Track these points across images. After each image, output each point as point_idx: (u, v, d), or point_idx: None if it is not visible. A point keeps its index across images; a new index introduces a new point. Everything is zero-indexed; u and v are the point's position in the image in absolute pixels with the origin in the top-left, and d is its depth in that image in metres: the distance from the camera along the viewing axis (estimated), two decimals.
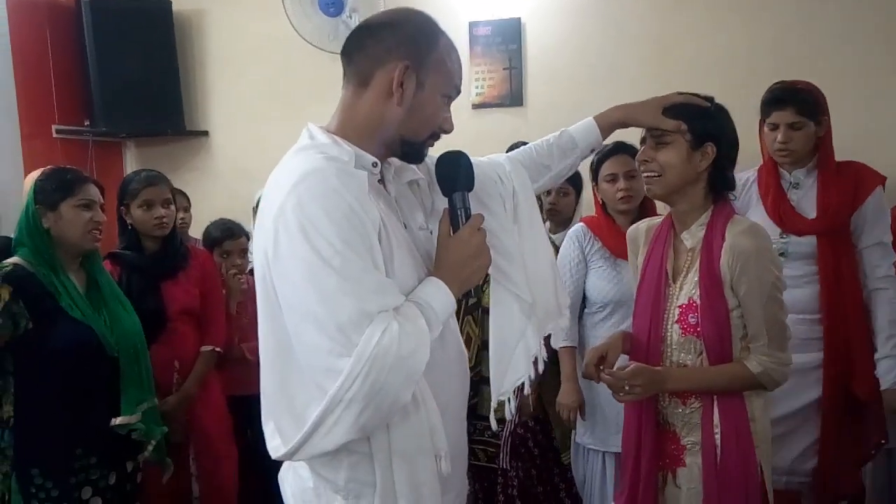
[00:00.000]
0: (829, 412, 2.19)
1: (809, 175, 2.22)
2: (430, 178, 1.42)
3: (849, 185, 2.18)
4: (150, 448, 2.24)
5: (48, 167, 2.36)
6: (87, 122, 4.05)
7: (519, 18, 3.84)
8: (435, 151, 1.41)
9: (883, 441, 2.31)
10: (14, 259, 2.12)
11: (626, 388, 1.60)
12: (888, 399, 2.18)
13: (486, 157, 1.57)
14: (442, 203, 1.36)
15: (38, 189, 2.17)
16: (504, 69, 3.86)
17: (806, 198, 2.21)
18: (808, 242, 2.15)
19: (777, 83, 2.23)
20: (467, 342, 2.39)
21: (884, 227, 2.22)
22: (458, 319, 2.40)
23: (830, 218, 2.16)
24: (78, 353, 2.10)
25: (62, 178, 2.19)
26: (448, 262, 1.29)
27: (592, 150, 1.67)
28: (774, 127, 2.16)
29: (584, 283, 2.48)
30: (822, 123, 2.19)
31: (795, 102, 2.15)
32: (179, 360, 2.59)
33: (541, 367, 1.55)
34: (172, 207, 2.62)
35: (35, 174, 3.28)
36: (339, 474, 1.25)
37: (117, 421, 2.15)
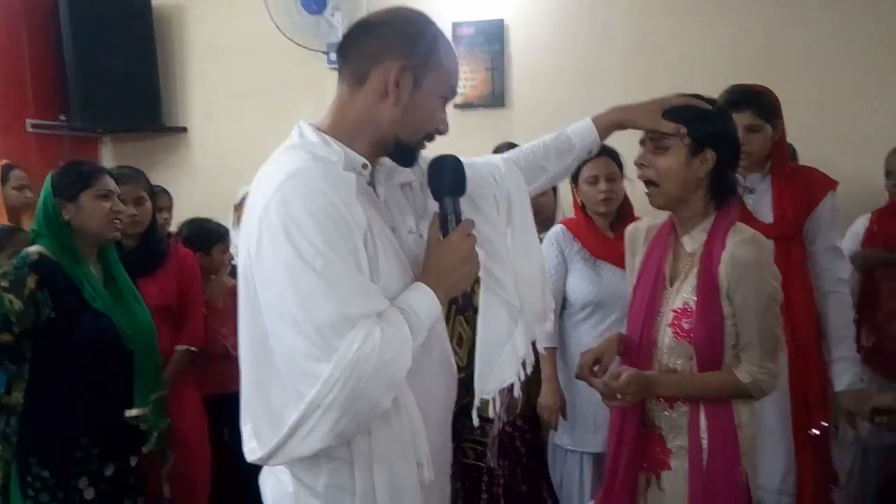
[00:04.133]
0: (798, 421, 2.18)
1: (763, 180, 2.21)
2: (424, 180, 1.39)
3: (802, 190, 2.18)
4: (153, 439, 2.26)
5: (64, 161, 2.35)
6: (62, 117, 4.00)
7: (502, 20, 3.86)
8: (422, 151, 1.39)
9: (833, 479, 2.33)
10: (38, 248, 2.13)
11: (619, 396, 1.59)
12: (843, 400, 2.19)
13: (482, 157, 1.55)
14: (435, 206, 1.34)
15: (56, 182, 2.18)
16: (486, 69, 3.87)
17: (761, 203, 2.21)
18: None
19: (732, 86, 2.21)
20: (459, 342, 2.38)
21: (836, 231, 2.24)
22: (449, 320, 2.39)
23: (787, 222, 2.17)
24: (98, 345, 2.13)
25: (80, 170, 2.21)
26: (436, 267, 1.27)
27: (590, 152, 1.63)
28: None
29: (565, 284, 2.49)
30: (778, 127, 2.18)
31: (754, 105, 2.13)
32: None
33: (529, 369, 1.55)
34: (147, 204, 2.60)
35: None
36: (319, 480, 1.23)
37: (132, 413, 2.18)
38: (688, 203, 1.63)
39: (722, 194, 1.64)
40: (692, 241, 1.65)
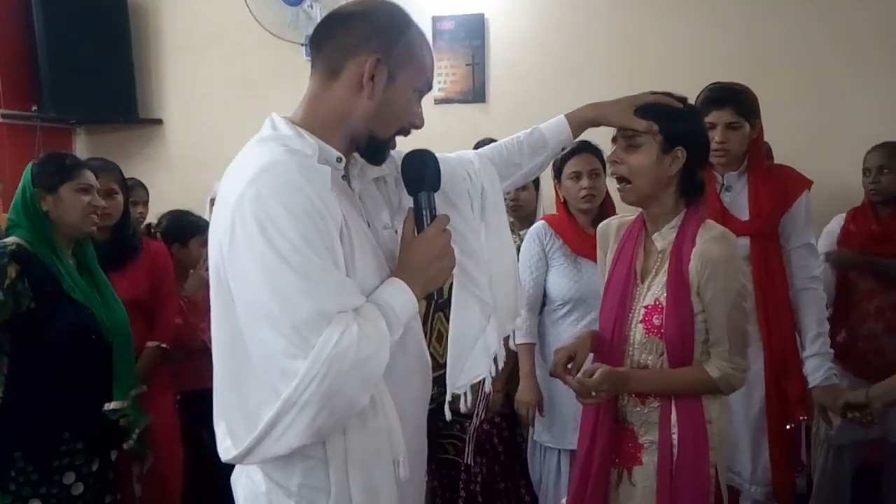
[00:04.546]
0: (772, 415, 2.21)
1: (740, 178, 2.24)
2: (398, 175, 1.38)
3: (779, 188, 2.21)
4: (134, 436, 2.24)
5: (45, 152, 2.32)
6: (34, 108, 3.92)
7: (482, 14, 3.85)
8: (398, 146, 1.38)
9: (800, 467, 2.35)
10: (14, 238, 2.10)
11: (593, 394, 1.60)
12: (816, 395, 2.21)
13: (456, 153, 1.54)
14: (409, 200, 1.33)
15: (37, 172, 2.16)
16: (467, 65, 3.86)
17: (738, 200, 2.23)
18: (743, 244, 2.16)
19: (713, 84, 2.24)
20: (439, 339, 2.38)
21: (810, 230, 2.27)
22: (429, 316, 2.39)
23: (763, 220, 2.19)
24: (77, 337, 2.11)
25: (62, 163, 2.20)
26: (411, 262, 1.26)
27: (563, 149, 1.65)
28: (712, 126, 2.16)
29: (545, 280, 2.49)
30: (756, 126, 2.21)
31: (734, 103, 2.16)
32: None
33: (500, 365, 1.55)
34: (119, 197, 2.55)
35: None
36: (293, 479, 1.21)
37: (111, 406, 2.16)
38: (658, 200, 1.66)
39: (692, 192, 1.67)
40: (662, 239, 1.67)
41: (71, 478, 2.10)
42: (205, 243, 2.85)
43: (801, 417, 2.20)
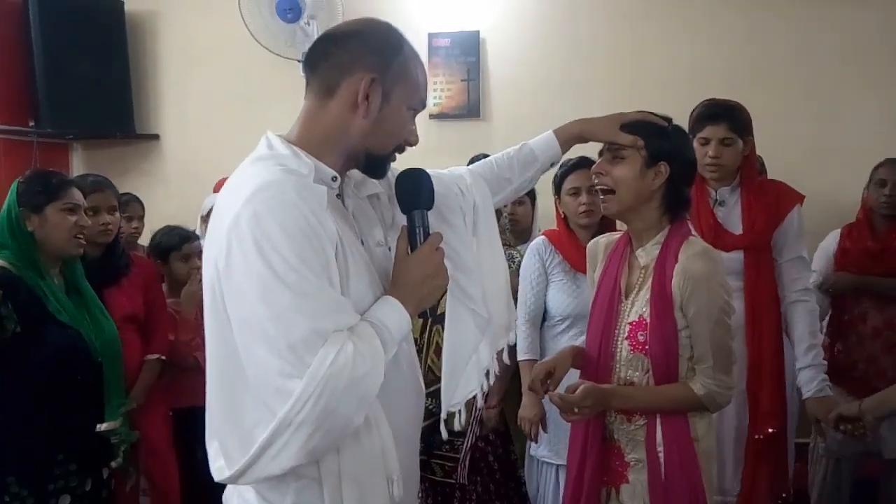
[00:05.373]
0: (751, 431, 2.21)
1: (733, 193, 2.27)
2: (391, 192, 1.39)
3: (771, 202, 2.24)
4: (121, 454, 2.22)
5: (31, 170, 2.27)
6: (31, 123, 3.92)
7: (478, 31, 3.87)
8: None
9: (784, 494, 2.31)
10: None
11: (576, 410, 1.60)
12: (810, 407, 2.22)
13: (447, 169, 1.56)
14: (402, 217, 1.34)
15: (22, 191, 2.12)
16: (462, 80, 3.88)
17: (731, 215, 2.25)
18: (736, 258, 2.20)
19: (708, 100, 2.28)
20: (437, 352, 2.37)
21: (802, 243, 2.29)
22: (426, 329, 2.39)
23: (757, 234, 2.22)
24: (65, 358, 2.08)
25: (47, 181, 2.15)
26: (405, 281, 1.26)
27: (552, 164, 1.67)
28: (706, 142, 2.20)
29: (545, 296, 2.48)
30: (748, 142, 2.25)
31: (728, 119, 2.19)
32: (125, 368, 2.49)
33: (492, 380, 1.56)
34: (117, 214, 2.57)
35: None
36: (286, 499, 1.20)
37: (104, 426, 2.15)
38: (639, 214, 1.67)
39: (676, 208, 1.68)
40: (646, 255, 1.69)
41: (66, 500, 2.07)
42: (184, 258, 2.86)
43: (770, 429, 2.19)
